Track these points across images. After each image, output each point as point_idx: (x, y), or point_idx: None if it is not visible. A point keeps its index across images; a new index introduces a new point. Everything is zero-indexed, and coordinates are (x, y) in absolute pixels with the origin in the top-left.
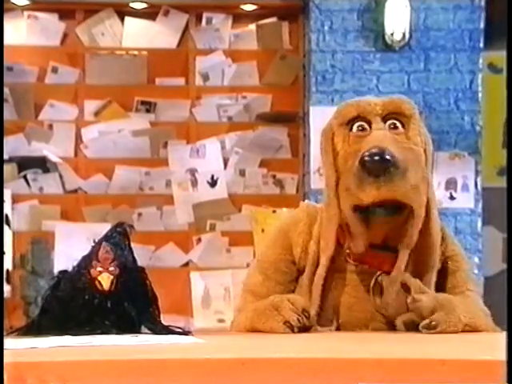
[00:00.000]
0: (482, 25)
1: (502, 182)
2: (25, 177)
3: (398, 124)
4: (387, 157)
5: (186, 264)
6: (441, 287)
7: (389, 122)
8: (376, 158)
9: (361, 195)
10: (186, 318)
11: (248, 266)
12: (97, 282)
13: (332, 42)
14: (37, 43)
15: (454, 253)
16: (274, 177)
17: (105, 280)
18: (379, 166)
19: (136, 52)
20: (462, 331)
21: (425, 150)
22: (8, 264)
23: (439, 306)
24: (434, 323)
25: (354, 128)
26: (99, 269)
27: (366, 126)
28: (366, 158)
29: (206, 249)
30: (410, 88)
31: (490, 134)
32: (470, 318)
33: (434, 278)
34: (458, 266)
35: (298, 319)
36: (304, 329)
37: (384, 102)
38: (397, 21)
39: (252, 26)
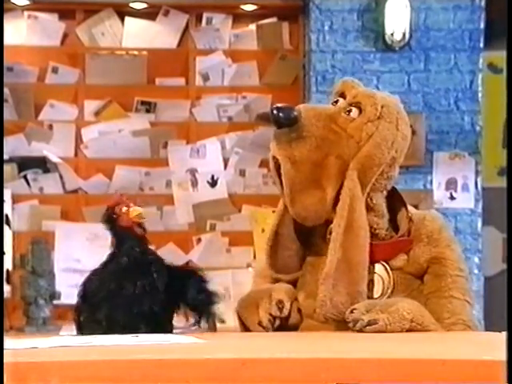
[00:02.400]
0: (482, 25)
1: (502, 182)
2: (25, 177)
3: (355, 112)
4: (294, 113)
5: (186, 264)
6: (426, 290)
7: (351, 107)
8: (278, 108)
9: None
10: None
11: (248, 266)
12: (129, 220)
13: (332, 42)
14: (37, 43)
15: (442, 256)
16: None
17: (134, 211)
18: (276, 118)
19: (136, 52)
20: (410, 329)
21: (360, 147)
22: (8, 264)
23: (378, 306)
24: (373, 319)
25: (335, 100)
26: (124, 208)
27: (341, 102)
28: (274, 107)
29: (205, 249)
30: (410, 88)
31: (490, 134)
32: (414, 315)
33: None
34: (445, 270)
35: (270, 318)
36: (282, 320)
37: (361, 89)
38: (397, 21)
39: (252, 26)
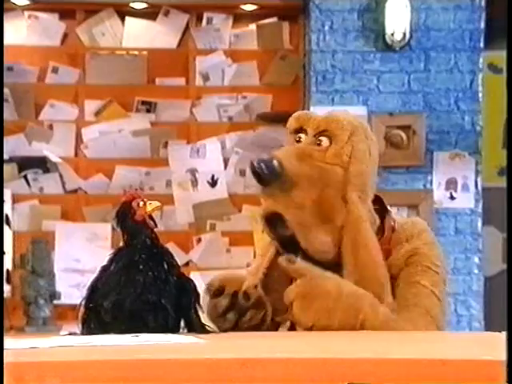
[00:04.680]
0: (482, 25)
1: (502, 182)
2: (25, 177)
3: (326, 141)
4: (273, 166)
5: (186, 264)
6: (398, 280)
7: (319, 138)
8: (261, 165)
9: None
10: None
11: (248, 266)
12: (143, 214)
13: (332, 42)
14: (37, 43)
15: (418, 251)
16: None
17: (151, 205)
18: (261, 175)
19: (136, 52)
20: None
21: (346, 169)
22: (8, 264)
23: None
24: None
25: (296, 138)
26: (141, 203)
27: (304, 137)
28: (255, 164)
29: (206, 249)
30: (410, 88)
31: (490, 133)
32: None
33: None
34: (417, 260)
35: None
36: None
37: (320, 118)
38: (397, 21)
39: (252, 26)
